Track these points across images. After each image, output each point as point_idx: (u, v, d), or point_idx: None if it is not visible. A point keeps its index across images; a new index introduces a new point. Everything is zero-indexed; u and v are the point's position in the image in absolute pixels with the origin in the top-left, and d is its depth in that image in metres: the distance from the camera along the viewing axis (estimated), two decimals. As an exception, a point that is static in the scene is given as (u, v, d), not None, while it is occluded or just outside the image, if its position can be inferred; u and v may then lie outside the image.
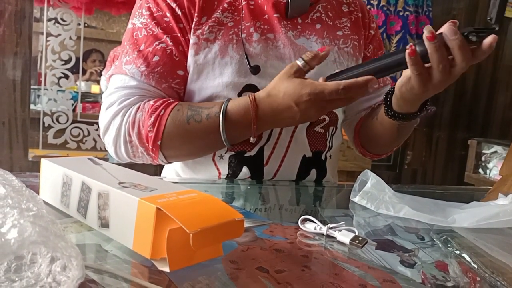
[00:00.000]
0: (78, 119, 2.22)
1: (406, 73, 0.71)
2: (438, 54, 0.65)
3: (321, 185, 0.91)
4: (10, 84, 2.11)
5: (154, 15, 0.82)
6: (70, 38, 2.17)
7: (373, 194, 0.70)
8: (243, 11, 0.85)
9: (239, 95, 0.82)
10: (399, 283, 0.44)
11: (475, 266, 0.51)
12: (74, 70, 2.23)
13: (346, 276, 0.45)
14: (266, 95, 0.74)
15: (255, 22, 0.85)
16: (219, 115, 0.75)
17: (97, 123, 2.25)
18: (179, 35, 0.81)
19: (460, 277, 0.48)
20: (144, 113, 0.77)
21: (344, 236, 0.54)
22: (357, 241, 0.53)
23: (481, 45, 0.64)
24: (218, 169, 0.87)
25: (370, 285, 0.43)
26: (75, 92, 2.27)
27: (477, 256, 0.54)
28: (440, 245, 0.57)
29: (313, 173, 0.91)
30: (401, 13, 2.36)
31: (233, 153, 0.86)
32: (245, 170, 0.86)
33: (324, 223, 0.57)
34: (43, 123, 2.16)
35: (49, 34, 2.14)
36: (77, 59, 2.22)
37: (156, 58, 0.80)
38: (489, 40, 0.63)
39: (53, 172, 0.55)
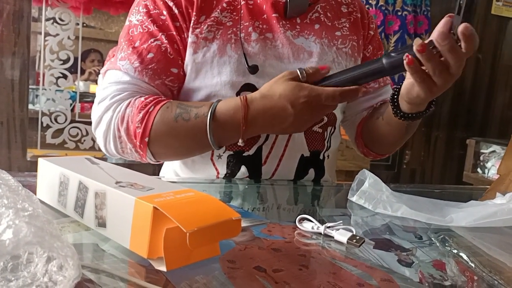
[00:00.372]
0: (77, 119, 2.22)
1: (410, 79, 0.71)
2: (431, 63, 0.65)
3: (319, 184, 0.91)
4: (8, 84, 2.10)
5: (151, 12, 0.82)
6: (69, 38, 2.16)
7: (371, 194, 0.70)
8: (242, 11, 0.85)
9: (237, 94, 0.82)
10: (397, 282, 0.44)
11: (473, 265, 0.51)
12: (73, 70, 2.23)
13: (344, 275, 0.45)
14: (260, 96, 0.74)
15: (254, 22, 0.85)
16: (207, 114, 0.74)
17: (95, 123, 2.25)
18: (174, 33, 0.81)
19: (457, 276, 0.48)
20: (134, 109, 0.77)
21: (341, 235, 0.54)
22: (354, 240, 0.53)
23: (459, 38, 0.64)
24: (216, 169, 0.87)
25: (367, 284, 0.43)
26: (73, 92, 2.27)
27: (475, 255, 0.54)
28: (437, 244, 0.57)
29: (311, 172, 0.91)
30: (399, 13, 2.36)
31: (231, 152, 0.86)
32: (243, 169, 0.86)
33: (322, 222, 0.57)
34: (42, 123, 2.16)
35: (47, 34, 2.13)
36: (76, 59, 2.22)
37: (150, 55, 0.80)
38: (460, 29, 0.63)
39: (50, 172, 0.55)
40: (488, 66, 2.92)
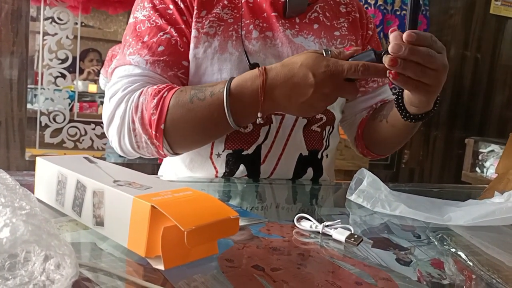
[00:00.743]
0: (75, 118, 2.22)
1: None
2: (408, 70, 0.64)
3: (318, 183, 0.91)
4: (6, 83, 2.10)
5: (157, 7, 0.82)
6: (67, 37, 2.16)
7: (369, 193, 0.70)
8: (243, 9, 0.85)
9: None
10: (395, 281, 0.44)
11: (471, 264, 0.51)
12: (71, 69, 2.23)
13: (342, 274, 0.45)
14: (280, 65, 0.71)
15: (255, 20, 0.85)
16: (223, 90, 0.71)
17: (94, 123, 2.24)
18: (183, 26, 0.81)
19: (455, 275, 0.48)
20: (147, 96, 0.75)
21: (339, 234, 0.54)
22: (352, 239, 0.53)
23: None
24: (215, 168, 0.87)
25: (366, 283, 0.43)
26: (72, 91, 2.27)
27: (473, 254, 0.54)
28: (436, 243, 0.57)
29: (310, 171, 0.91)
30: (398, 12, 2.36)
31: (230, 151, 0.86)
32: (242, 168, 0.86)
33: (320, 221, 0.57)
34: (40, 122, 2.16)
35: (45, 33, 2.13)
36: (74, 58, 2.22)
37: (161, 48, 0.79)
38: (404, 38, 0.63)
39: (48, 171, 0.55)
40: (486, 66, 2.93)
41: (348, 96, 0.74)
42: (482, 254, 0.55)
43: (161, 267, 0.41)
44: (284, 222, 0.60)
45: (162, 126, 0.74)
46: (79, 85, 2.34)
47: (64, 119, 2.19)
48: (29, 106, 2.15)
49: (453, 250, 0.55)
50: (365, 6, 2.34)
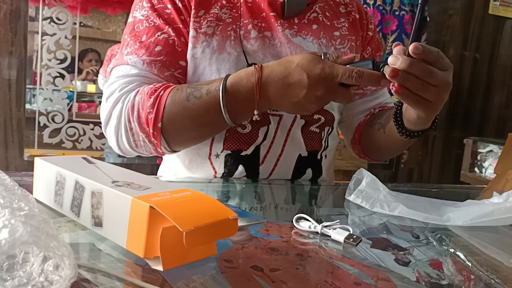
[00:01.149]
0: (74, 118, 2.21)
1: (406, 105, 0.71)
2: (409, 83, 0.64)
3: (317, 184, 0.91)
4: (5, 83, 2.10)
5: (155, 7, 0.82)
6: (66, 37, 2.16)
7: (368, 193, 0.70)
8: (241, 8, 0.85)
9: None
10: (394, 281, 0.44)
11: (469, 264, 0.51)
12: (70, 69, 2.22)
13: (341, 274, 0.45)
14: (277, 63, 0.71)
15: (253, 20, 0.85)
16: (219, 88, 0.71)
17: (92, 123, 2.24)
18: (181, 26, 0.81)
19: (454, 275, 0.48)
20: (144, 95, 0.75)
21: (338, 234, 0.54)
22: (351, 239, 0.53)
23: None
24: (214, 168, 0.87)
25: (364, 284, 0.43)
26: (70, 91, 2.26)
27: (472, 254, 0.54)
28: (434, 243, 0.57)
29: (309, 172, 0.91)
30: (396, 13, 2.36)
31: (229, 152, 0.86)
32: (240, 169, 0.86)
33: (319, 221, 0.57)
34: (39, 122, 2.15)
35: (44, 33, 2.13)
36: (73, 58, 2.21)
37: (158, 48, 0.80)
38: (410, 50, 0.62)
39: (46, 171, 0.55)
40: (485, 66, 2.93)
41: (341, 101, 0.75)
42: (480, 254, 0.55)
43: (159, 267, 0.41)
44: (283, 222, 0.60)
45: (159, 125, 0.74)
46: (78, 85, 2.34)
47: (63, 119, 2.18)
48: (27, 106, 2.15)
49: (452, 250, 0.55)
50: (364, 6, 2.33)
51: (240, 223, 0.56)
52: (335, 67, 0.68)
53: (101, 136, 2.24)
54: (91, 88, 2.39)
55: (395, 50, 0.65)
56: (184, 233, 0.38)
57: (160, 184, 0.48)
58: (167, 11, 0.82)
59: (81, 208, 0.49)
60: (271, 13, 0.86)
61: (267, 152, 0.87)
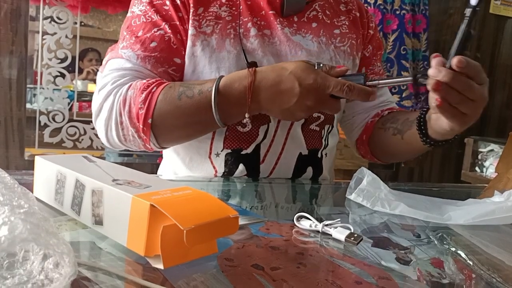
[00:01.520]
0: (74, 118, 2.21)
1: (436, 114, 0.70)
2: (449, 96, 0.64)
3: (317, 183, 0.91)
4: (6, 83, 2.10)
5: (154, 3, 0.82)
6: (66, 36, 2.16)
7: (369, 192, 0.70)
8: (241, 6, 0.85)
9: None
10: (395, 280, 0.44)
11: (471, 263, 0.51)
12: (70, 69, 2.22)
13: (342, 273, 0.44)
14: (271, 68, 0.72)
15: (253, 18, 0.85)
16: (212, 89, 0.72)
17: (93, 122, 2.24)
18: (178, 23, 0.81)
19: (455, 274, 0.47)
20: (136, 90, 0.75)
21: (339, 233, 0.54)
22: (352, 238, 0.53)
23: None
24: (214, 167, 0.87)
25: (365, 282, 0.43)
26: (71, 91, 2.26)
27: (473, 253, 0.54)
28: (435, 242, 0.57)
29: (309, 171, 0.90)
30: (397, 12, 2.36)
31: (229, 150, 0.86)
32: (241, 168, 0.86)
33: (320, 220, 0.57)
34: (39, 122, 2.15)
35: (45, 33, 2.13)
36: (73, 58, 2.21)
37: (153, 44, 0.80)
38: (453, 63, 0.62)
39: (47, 170, 0.55)
40: (486, 65, 2.92)
41: (329, 112, 0.76)
42: (482, 253, 0.55)
43: (160, 266, 0.41)
44: (284, 221, 0.60)
45: (149, 121, 0.74)
46: (79, 84, 2.34)
47: (64, 119, 2.18)
48: (28, 105, 2.15)
49: (453, 249, 0.55)
50: (365, 5, 2.33)
51: (241, 222, 0.56)
52: (327, 79, 0.69)
53: (102, 135, 2.24)
54: (91, 87, 2.39)
55: (434, 62, 0.64)
56: (184, 231, 0.38)
57: (161, 182, 0.48)
58: (165, 7, 0.82)
59: (81, 207, 0.49)
60: (270, 11, 0.86)
61: (268, 151, 0.87)
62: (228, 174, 0.86)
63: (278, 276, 0.42)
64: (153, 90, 0.74)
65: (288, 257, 0.47)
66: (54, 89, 2.18)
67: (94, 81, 2.39)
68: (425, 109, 0.78)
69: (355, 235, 0.53)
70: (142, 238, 0.41)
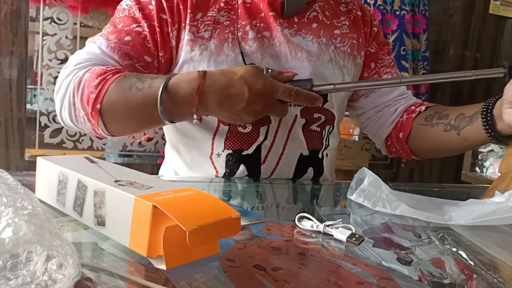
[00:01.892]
0: (75, 118, 2.21)
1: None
2: None
3: (318, 183, 0.91)
4: (6, 83, 2.10)
5: (140, 0, 0.84)
6: (66, 37, 2.15)
7: (370, 192, 0.70)
8: (239, 10, 0.85)
9: None
10: (396, 281, 0.44)
11: (472, 263, 0.51)
12: (71, 69, 2.22)
13: (343, 273, 0.45)
14: (220, 72, 0.72)
15: (251, 21, 0.85)
16: (161, 85, 0.72)
17: (93, 123, 2.24)
18: (156, 24, 0.82)
19: (457, 274, 0.48)
20: (92, 74, 0.76)
21: (341, 233, 0.54)
22: (354, 239, 0.53)
23: None
24: (215, 168, 0.87)
25: (367, 283, 0.43)
26: (71, 91, 2.26)
27: (474, 254, 0.54)
28: (437, 242, 0.57)
29: (310, 171, 0.91)
30: (397, 12, 2.36)
31: (230, 151, 0.86)
32: (242, 168, 0.86)
33: (321, 221, 0.57)
34: (40, 122, 2.15)
35: (45, 34, 2.13)
36: (74, 58, 2.21)
37: (128, 38, 0.82)
38: None
39: (49, 171, 0.55)
40: (486, 66, 2.92)
41: (277, 115, 0.78)
42: (483, 253, 0.55)
43: (163, 267, 0.41)
44: (285, 222, 0.60)
45: (98, 106, 0.75)
46: (79, 85, 2.34)
47: (64, 119, 2.18)
48: (28, 106, 2.15)
49: (454, 249, 0.55)
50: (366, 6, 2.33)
51: (242, 222, 0.56)
52: (276, 84, 0.71)
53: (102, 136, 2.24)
54: (91, 88, 2.39)
55: None
56: (187, 232, 0.38)
57: (163, 183, 0.48)
58: (150, 6, 0.83)
59: (83, 208, 0.49)
60: (271, 13, 0.86)
61: (269, 152, 0.87)
62: (229, 174, 0.87)
63: (279, 276, 0.42)
64: (108, 77, 0.75)
65: (290, 258, 0.47)
66: (54, 90, 2.18)
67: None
68: (488, 104, 0.78)
69: (357, 236, 0.53)
70: (145, 239, 0.41)
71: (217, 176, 0.87)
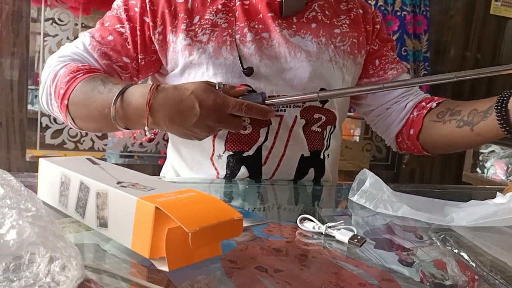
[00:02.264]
0: (76, 119, 2.21)
1: None
2: None
3: (320, 184, 0.91)
4: (7, 84, 2.10)
5: (129, 1, 0.86)
6: (68, 38, 2.16)
7: (372, 193, 0.70)
8: (237, 12, 0.85)
9: None
10: (398, 282, 0.44)
11: (473, 264, 0.51)
12: (72, 70, 2.22)
13: (345, 275, 0.45)
14: (173, 87, 0.73)
15: (250, 22, 0.85)
16: (117, 91, 0.74)
17: (94, 123, 2.24)
18: (138, 27, 0.84)
19: (458, 276, 0.48)
20: (67, 70, 0.80)
21: (342, 235, 0.54)
22: (355, 240, 0.53)
23: None
24: (216, 169, 0.87)
25: (369, 284, 0.43)
26: (72, 92, 2.26)
27: (475, 255, 0.54)
28: (438, 243, 0.57)
29: (311, 172, 0.91)
30: (398, 13, 2.36)
31: (231, 153, 0.86)
32: (243, 170, 0.86)
33: (322, 222, 0.57)
34: (41, 123, 2.15)
35: (46, 34, 2.13)
36: (75, 59, 2.21)
37: (110, 37, 0.84)
38: None
39: (51, 172, 0.55)
40: (487, 66, 2.92)
41: (231, 129, 0.79)
42: (484, 255, 0.55)
43: (165, 268, 0.41)
44: (286, 223, 0.60)
45: (66, 102, 0.79)
46: (80, 86, 2.34)
47: (65, 120, 2.18)
48: (29, 107, 2.15)
49: (456, 251, 0.55)
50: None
51: (244, 223, 0.56)
52: (226, 99, 0.72)
53: (103, 137, 2.24)
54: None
55: None
56: (189, 233, 0.38)
57: (165, 184, 0.49)
58: (136, 9, 0.85)
59: (86, 209, 0.49)
60: (269, 14, 0.86)
61: (269, 153, 0.87)
62: (230, 176, 0.87)
63: (281, 278, 0.42)
64: (78, 76, 0.79)
65: (292, 259, 0.47)
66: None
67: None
68: (503, 98, 0.78)
69: (359, 237, 0.53)
70: (147, 240, 0.41)
71: (218, 178, 0.87)
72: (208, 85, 0.74)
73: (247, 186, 0.82)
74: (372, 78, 0.98)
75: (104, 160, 2.22)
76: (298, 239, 0.54)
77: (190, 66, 0.84)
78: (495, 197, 0.73)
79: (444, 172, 2.97)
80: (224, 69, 0.83)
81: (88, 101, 0.77)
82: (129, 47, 0.84)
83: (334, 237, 0.54)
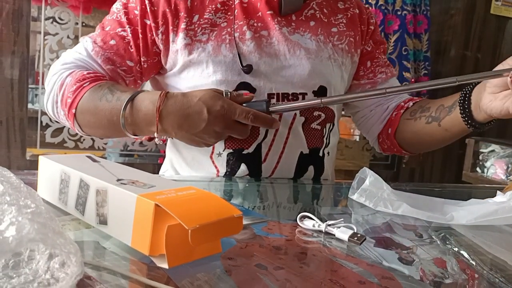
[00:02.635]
0: (76, 118, 2.21)
1: (493, 97, 0.72)
2: None
3: (319, 182, 0.91)
4: (7, 83, 2.10)
5: (128, 4, 0.85)
6: (68, 37, 2.16)
7: (372, 192, 0.70)
8: (236, 10, 0.85)
9: None
10: (398, 280, 0.44)
11: (473, 263, 0.51)
12: (72, 69, 2.22)
13: (345, 273, 0.45)
14: (182, 94, 0.74)
15: (248, 21, 0.85)
16: (126, 99, 0.75)
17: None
18: (139, 30, 0.84)
19: (458, 274, 0.48)
20: (73, 79, 0.80)
21: (342, 233, 0.54)
22: (355, 238, 0.53)
23: None
24: (216, 167, 0.87)
25: (368, 282, 0.43)
26: (73, 91, 2.26)
27: (475, 253, 0.54)
28: (438, 242, 0.57)
29: (311, 170, 0.91)
30: (398, 12, 2.36)
31: (231, 150, 0.86)
32: (243, 167, 0.86)
33: (322, 220, 0.57)
34: (41, 122, 2.15)
35: (46, 33, 2.13)
36: (75, 58, 2.21)
37: (112, 42, 0.84)
38: None
39: (51, 169, 0.55)
40: (487, 66, 2.92)
41: (237, 136, 0.79)
42: (484, 253, 0.55)
43: (165, 265, 0.41)
44: (286, 221, 0.60)
45: (73, 111, 0.80)
46: (80, 85, 2.34)
47: (65, 119, 2.18)
48: (30, 106, 2.15)
49: (456, 249, 0.55)
50: (366, 6, 2.32)
51: (244, 221, 0.56)
52: (233, 106, 0.73)
53: (103, 135, 2.24)
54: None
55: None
56: (189, 231, 0.38)
57: (165, 182, 0.49)
58: (136, 11, 0.85)
59: (85, 206, 0.49)
60: (268, 12, 0.86)
61: (269, 150, 0.87)
62: (230, 174, 0.87)
63: (281, 275, 0.42)
64: (84, 85, 0.79)
65: (291, 257, 0.47)
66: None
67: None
68: (466, 92, 0.79)
69: (358, 235, 0.53)
70: (147, 237, 0.41)
71: (218, 175, 0.87)
72: (216, 92, 0.74)
73: (247, 184, 0.82)
74: (361, 80, 0.99)
75: (104, 158, 2.21)
76: (298, 237, 0.54)
77: (190, 64, 0.84)
78: (495, 195, 0.73)
79: (444, 172, 2.97)
80: (224, 66, 0.83)
81: (96, 110, 0.77)
82: (132, 50, 0.84)
83: (334, 235, 0.54)
